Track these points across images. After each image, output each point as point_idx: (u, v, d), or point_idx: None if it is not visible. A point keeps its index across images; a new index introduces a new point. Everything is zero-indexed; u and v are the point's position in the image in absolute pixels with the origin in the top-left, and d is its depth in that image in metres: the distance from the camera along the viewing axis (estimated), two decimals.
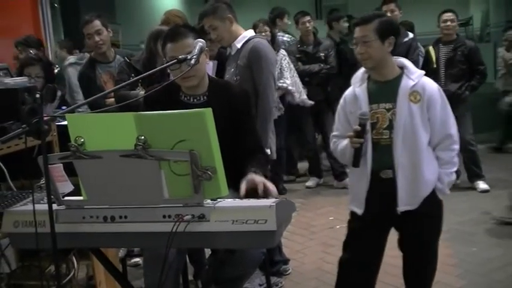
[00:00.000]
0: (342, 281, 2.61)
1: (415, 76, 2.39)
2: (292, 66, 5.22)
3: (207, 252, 3.19)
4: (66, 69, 5.12)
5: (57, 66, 5.01)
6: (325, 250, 3.94)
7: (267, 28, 5.02)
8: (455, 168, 2.46)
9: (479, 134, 5.84)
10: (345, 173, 5.43)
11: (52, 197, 1.78)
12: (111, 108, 2.71)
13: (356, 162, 2.39)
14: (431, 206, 2.44)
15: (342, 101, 2.53)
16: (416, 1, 6.90)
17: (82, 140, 1.80)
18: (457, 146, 2.44)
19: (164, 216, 1.80)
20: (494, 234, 4.13)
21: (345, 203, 2.73)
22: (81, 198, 1.92)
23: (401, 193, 2.37)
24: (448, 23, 5.20)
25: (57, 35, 7.79)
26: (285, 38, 6.09)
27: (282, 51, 5.13)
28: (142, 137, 1.74)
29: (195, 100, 2.50)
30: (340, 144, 2.48)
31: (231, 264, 2.27)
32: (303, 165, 6.24)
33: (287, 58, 5.11)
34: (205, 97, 2.51)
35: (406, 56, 5.15)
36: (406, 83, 2.38)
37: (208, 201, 1.81)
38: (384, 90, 2.41)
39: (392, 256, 2.71)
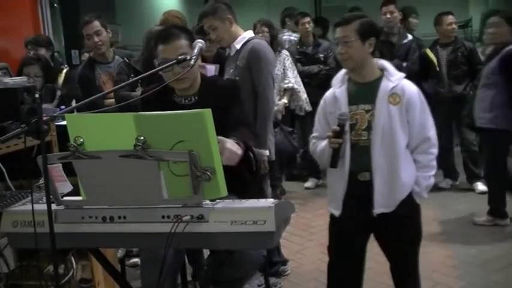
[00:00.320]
0: (332, 285, 2.62)
1: (395, 78, 2.40)
2: (294, 66, 5.21)
3: (206, 252, 3.19)
4: None
5: (66, 65, 4.99)
6: (324, 251, 3.87)
7: (265, 29, 5.01)
8: (433, 172, 2.45)
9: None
10: None
11: (51, 197, 1.78)
12: (111, 109, 2.71)
13: (334, 163, 2.37)
14: (408, 209, 2.43)
15: (321, 102, 2.53)
16: (414, 2, 6.89)
17: (81, 140, 1.80)
18: (435, 150, 2.43)
19: (163, 217, 1.80)
20: (493, 236, 4.13)
21: None
22: (80, 198, 1.92)
23: (377, 195, 2.37)
24: (453, 25, 5.22)
25: (57, 35, 7.79)
26: (292, 38, 6.06)
27: (285, 52, 5.11)
28: (142, 138, 1.74)
29: (187, 101, 2.49)
30: (320, 145, 2.47)
31: (231, 265, 2.27)
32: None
33: (290, 58, 5.09)
34: (196, 97, 2.48)
35: (405, 57, 5.24)
36: (386, 85, 2.38)
37: (207, 201, 1.81)
38: (364, 92, 2.41)
39: None
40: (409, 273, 2.53)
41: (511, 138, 4.05)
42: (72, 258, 2.62)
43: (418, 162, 2.41)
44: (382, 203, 2.37)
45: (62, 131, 2.15)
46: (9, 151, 2.49)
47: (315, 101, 5.56)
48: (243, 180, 2.29)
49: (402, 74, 2.44)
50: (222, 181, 1.79)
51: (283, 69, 4.96)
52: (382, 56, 5.62)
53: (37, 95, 2.59)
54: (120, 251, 3.08)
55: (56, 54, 7.44)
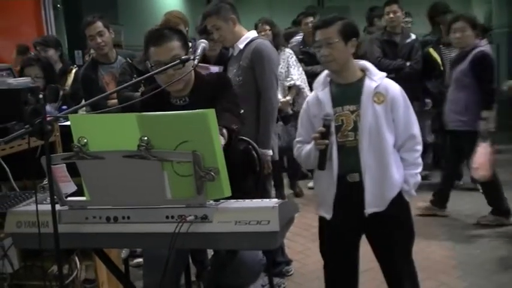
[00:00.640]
0: (329, 286, 2.62)
1: (377, 77, 2.40)
2: (299, 64, 5.14)
3: (210, 252, 3.19)
4: None
5: (75, 65, 5.00)
6: None
7: (266, 27, 5.00)
8: (420, 169, 2.45)
9: None
10: None
11: (55, 197, 1.78)
12: (114, 109, 2.71)
13: (321, 165, 2.36)
14: (398, 207, 2.43)
15: (304, 105, 2.52)
16: (417, 2, 6.87)
17: (85, 140, 1.80)
18: (420, 147, 2.44)
19: (167, 217, 1.80)
20: (497, 236, 4.12)
21: None
22: (84, 198, 1.92)
23: (368, 195, 2.36)
24: None
25: (60, 36, 7.80)
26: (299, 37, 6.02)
27: (288, 50, 5.06)
28: (145, 138, 1.74)
29: (181, 101, 2.46)
30: (304, 149, 2.46)
31: (232, 271, 2.25)
32: None
33: (294, 56, 5.03)
34: (187, 98, 2.46)
35: (409, 57, 5.23)
36: (369, 85, 2.38)
37: (211, 202, 1.81)
38: (347, 93, 2.41)
39: None
40: (405, 272, 2.52)
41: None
42: (76, 259, 2.62)
43: (405, 160, 2.42)
44: (373, 203, 2.37)
45: (66, 132, 2.15)
46: (13, 152, 2.49)
47: None
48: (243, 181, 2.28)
49: (384, 73, 2.45)
50: (226, 181, 1.78)
51: (287, 67, 4.91)
52: (385, 56, 5.64)
53: (41, 96, 2.60)
54: (124, 251, 3.08)
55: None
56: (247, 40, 3.22)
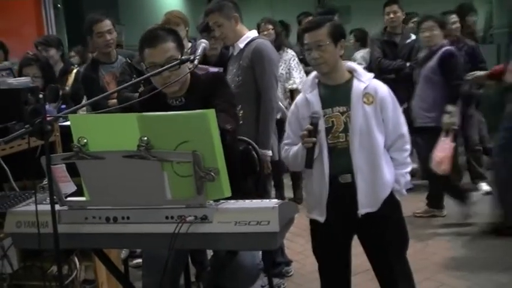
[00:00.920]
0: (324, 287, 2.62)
1: (365, 78, 2.41)
2: (301, 66, 5.04)
3: (209, 253, 3.19)
4: None
5: (76, 65, 4.99)
6: None
7: (269, 26, 4.97)
8: (409, 168, 2.47)
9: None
10: None
11: (55, 197, 1.78)
12: (114, 109, 2.70)
13: (309, 163, 2.35)
14: (391, 207, 2.44)
15: (293, 108, 2.52)
16: (419, 2, 6.87)
17: (85, 140, 1.80)
18: (409, 146, 2.47)
19: (167, 217, 1.80)
20: (498, 236, 4.11)
21: None
22: (83, 198, 1.92)
23: (360, 196, 2.36)
24: (457, 24, 5.22)
25: (61, 36, 7.80)
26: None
27: (291, 52, 4.98)
28: (145, 138, 1.73)
29: (177, 102, 2.44)
30: (292, 150, 2.46)
31: (230, 274, 2.25)
32: None
33: (296, 58, 4.96)
34: (183, 98, 2.45)
35: (409, 57, 5.23)
36: (358, 86, 2.39)
37: (211, 202, 1.81)
38: (337, 94, 2.41)
39: None
40: (400, 272, 2.51)
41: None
42: (76, 259, 2.62)
43: (395, 160, 2.44)
44: (366, 203, 2.38)
45: (66, 132, 2.15)
46: (13, 151, 2.49)
47: None
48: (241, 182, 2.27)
49: (371, 74, 2.46)
50: (226, 182, 1.78)
51: (288, 69, 4.86)
52: (385, 56, 5.63)
53: (41, 96, 2.60)
54: (123, 251, 3.08)
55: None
56: (248, 40, 3.21)
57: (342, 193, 2.38)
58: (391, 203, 2.43)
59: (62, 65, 4.69)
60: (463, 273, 3.56)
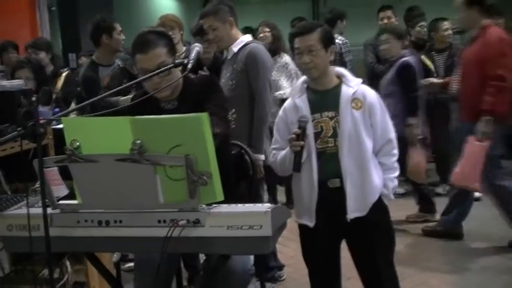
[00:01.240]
0: None
1: (354, 84, 2.43)
2: (299, 73, 4.57)
3: (202, 257, 3.18)
4: None
5: (67, 68, 4.96)
6: None
7: (266, 29, 4.92)
8: (397, 173, 2.49)
9: None
10: None
11: (47, 200, 1.77)
12: (107, 113, 2.69)
13: (297, 167, 2.35)
14: (379, 212, 2.45)
15: (281, 113, 2.52)
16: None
17: (78, 143, 1.80)
18: (396, 151, 2.48)
19: (159, 221, 1.80)
20: (489, 242, 4.13)
21: None
22: (75, 202, 1.92)
23: (349, 200, 2.37)
24: (449, 31, 5.26)
25: (55, 39, 7.78)
26: (337, 40, 5.84)
27: (287, 58, 4.82)
28: (138, 141, 1.73)
29: (170, 105, 2.44)
30: (280, 154, 2.47)
31: (222, 279, 2.24)
32: None
33: (291, 65, 4.80)
34: (176, 102, 2.44)
35: None
36: (347, 91, 2.41)
37: (204, 206, 1.81)
38: (326, 99, 2.43)
39: None
40: (387, 275, 2.51)
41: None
42: (68, 262, 2.61)
43: (383, 164, 2.45)
44: (355, 208, 2.39)
45: (59, 135, 2.15)
46: (6, 154, 2.48)
47: None
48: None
49: (360, 80, 2.48)
50: (219, 185, 1.78)
51: (280, 77, 4.71)
52: (379, 61, 5.65)
53: (34, 98, 2.59)
54: (115, 255, 3.07)
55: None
56: (242, 44, 3.22)
57: (331, 198, 2.39)
58: (380, 207, 2.44)
59: (51, 68, 4.69)
60: (456, 278, 3.56)
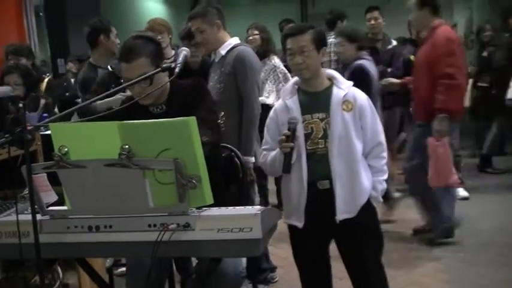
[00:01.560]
0: None
1: (345, 86, 2.45)
2: (288, 75, 4.67)
3: (194, 260, 3.18)
4: None
5: (48, 74, 4.95)
6: None
7: (255, 32, 4.91)
8: (386, 176, 2.50)
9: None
10: None
11: (36, 207, 1.77)
12: (95, 118, 2.69)
13: (286, 168, 2.37)
14: (368, 213, 2.46)
15: (271, 114, 2.53)
16: (397, 10, 6.93)
17: (66, 149, 1.80)
18: (386, 154, 2.49)
19: (149, 225, 1.80)
20: (480, 240, 4.15)
21: None
22: (65, 208, 1.91)
23: (339, 202, 2.39)
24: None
25: (43, 44, 7.76)
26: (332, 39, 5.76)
27: (276, 61, 4.77)
28: (127, 146, 1.74)
29: (158, 109, 2.44)
30: (270, 155, 2.48)
31: (213, 282, 2.24)
32: None
33: (279, 67, 4.74)
34: (164, 106, 2.45)
35: (390, 63, 5.27)
36: (338, 93, 2.42)
37: (193, 209, 1.81)
38: (317, 101, 2.44)
39: None
40: (376, 276, 2.52)
41: None
42: (59, 268, 2.60)
43: (372, 167, 2.47)
44: (344, 209, 2.40)
45: (47, 141, 2.14)
46: None
47: None
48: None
49: (350, 82, 2.49)
50: (208, 189, 1.79)
51: (267, 79, 4.62)
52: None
53: (21, 105, 2.59)
54: (108, 260, 3.07)
55: (41, 62, 7.37)
56: (230, 46, 3.22)
57: (320, 199, 2.39)
58: (368, 209, 2.46)
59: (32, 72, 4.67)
60: (448, 277, 3.57)
